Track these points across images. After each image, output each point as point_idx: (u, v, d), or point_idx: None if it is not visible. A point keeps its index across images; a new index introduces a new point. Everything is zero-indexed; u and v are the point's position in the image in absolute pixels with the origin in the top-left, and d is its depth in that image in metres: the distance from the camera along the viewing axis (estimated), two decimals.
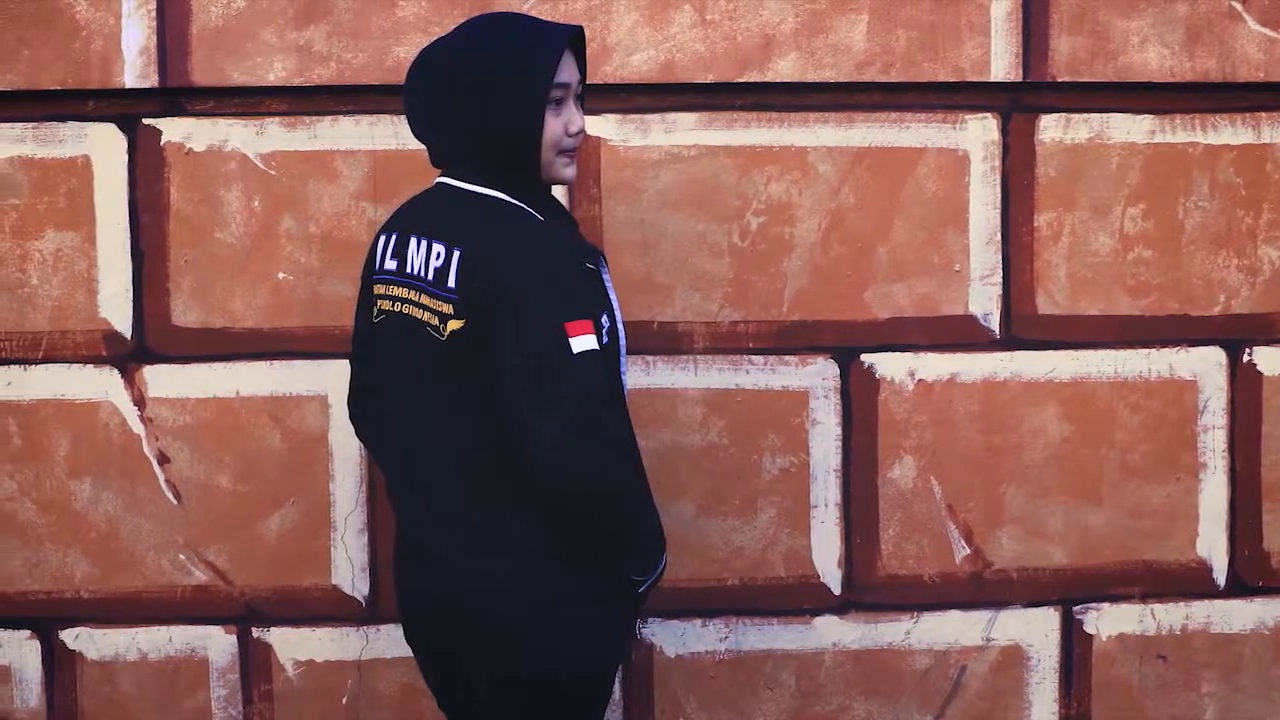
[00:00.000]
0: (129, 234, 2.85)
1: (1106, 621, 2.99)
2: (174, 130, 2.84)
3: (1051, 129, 2.91)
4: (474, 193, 2.12)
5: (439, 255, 2.07)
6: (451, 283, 2.03)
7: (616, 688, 2.90)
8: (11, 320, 2.85)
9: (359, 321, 2.31)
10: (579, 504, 2.01)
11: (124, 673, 2.91)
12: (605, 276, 2.17)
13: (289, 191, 2.85)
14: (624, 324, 2.19)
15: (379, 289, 2.18)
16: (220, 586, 2.90)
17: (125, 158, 2.84)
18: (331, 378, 2.83)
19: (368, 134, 2.84)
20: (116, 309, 2.86)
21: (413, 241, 2.12)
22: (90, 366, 2.87)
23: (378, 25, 2.79)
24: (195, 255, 2.85)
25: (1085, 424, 2.96)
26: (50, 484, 2.88)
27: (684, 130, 2.86)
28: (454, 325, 2.02)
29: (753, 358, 2.90)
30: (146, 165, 2.84)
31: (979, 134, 2.90)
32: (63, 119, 2.83)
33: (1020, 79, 2.86)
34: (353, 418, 2.41)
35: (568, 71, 2.12)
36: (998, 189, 2.92)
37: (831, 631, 2.96)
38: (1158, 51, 2.87)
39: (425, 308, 2.07)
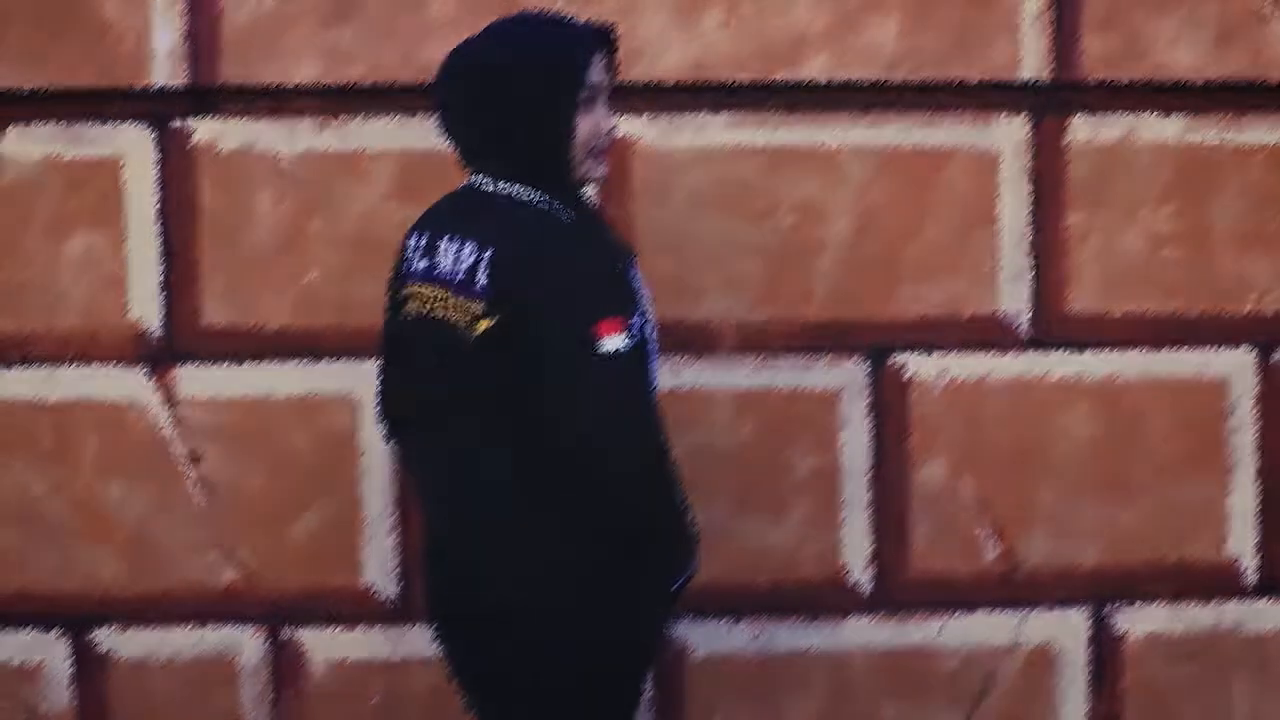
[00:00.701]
0: (159, 234, 2.85)
1: (1137, 622, 2.99)
2: (204, 130, 2.84)
3: (1082, 129, 2.91)
4: (504, 192, 2.12)
5: (469, 255, 2.06)
6: (482, 282, 2.03)
7: (649, 689, 2.90)
8: (41, 320, 2.86)
9: (388, 322, 2.31)
10: (609, 503, 2.01)
11: (153, 673, 2.92)
12: (636, 276, 2.17)
13: (320, 192, 2.85)
14: (654, 324, 2.19)
15: (408, 289, 2.18)
16: (250, 587, 2.90)
17: (155, 158, 2.84)
18: (362, 378, 2.82)
19: (398, 134, 2.84)
20: (146, 309, 2.86)
21: (443, 241, 2.12)
22: (120, 367, 2.87)
23: (408, 25, 2.79)
24: (225, 256, 2.85)
25: (1115, 424, 2.95)
26: (80, 484, 2.88)
27: (715, 130, 2.86)
28: (484, 325, 2.02)
29: (783, 357, 2.90)
30: (176, 165, 2.84)
31: (1009, 134, 2.90)
32: (93, 119, 2.83)
33: (1050, 79, 2.86)
34: (380, 419, 2.41)
35: (598, 71, 2.11)
36: (1028, 189, 2.91)
37: (861, 632, 2.96)
38: (1188, 51, 2.86)
39: (455, 308, 2.07)
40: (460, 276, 2.06)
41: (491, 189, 2.12)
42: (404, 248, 2.23)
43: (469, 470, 2.10)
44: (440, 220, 2.17)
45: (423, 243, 2.16)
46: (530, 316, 1.98)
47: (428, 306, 2.11)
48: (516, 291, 1.99)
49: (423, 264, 2.14)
